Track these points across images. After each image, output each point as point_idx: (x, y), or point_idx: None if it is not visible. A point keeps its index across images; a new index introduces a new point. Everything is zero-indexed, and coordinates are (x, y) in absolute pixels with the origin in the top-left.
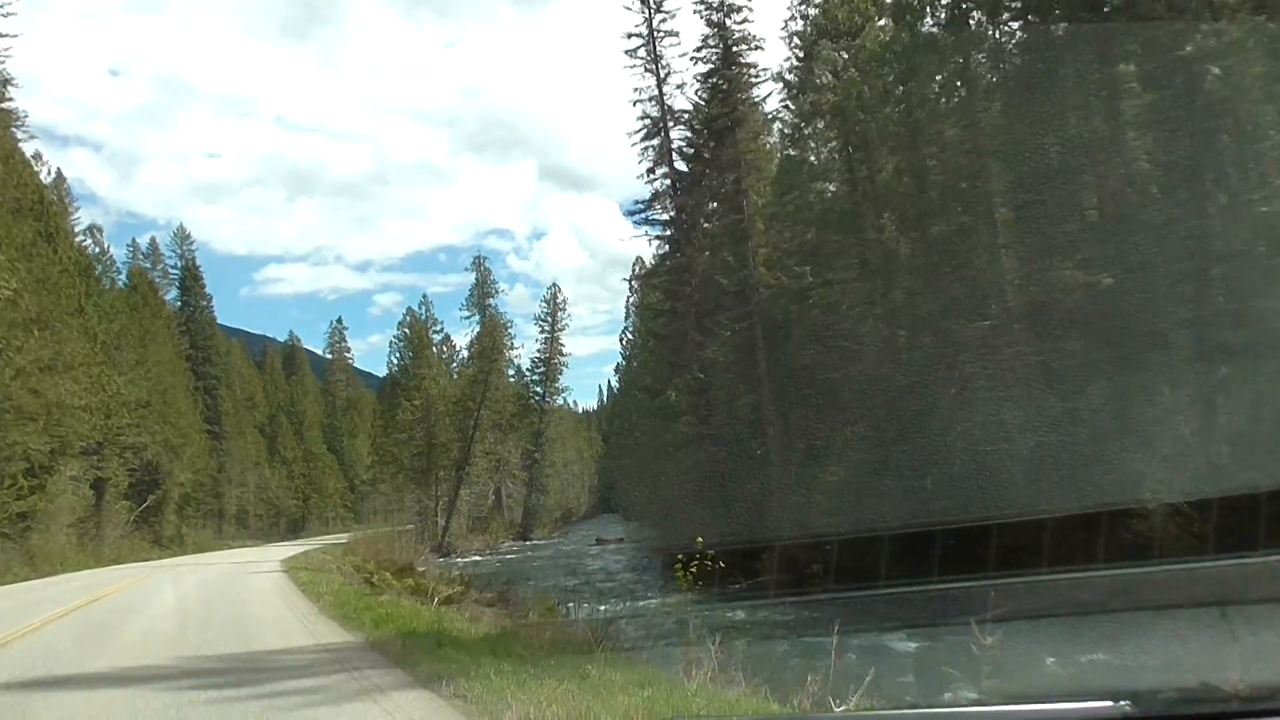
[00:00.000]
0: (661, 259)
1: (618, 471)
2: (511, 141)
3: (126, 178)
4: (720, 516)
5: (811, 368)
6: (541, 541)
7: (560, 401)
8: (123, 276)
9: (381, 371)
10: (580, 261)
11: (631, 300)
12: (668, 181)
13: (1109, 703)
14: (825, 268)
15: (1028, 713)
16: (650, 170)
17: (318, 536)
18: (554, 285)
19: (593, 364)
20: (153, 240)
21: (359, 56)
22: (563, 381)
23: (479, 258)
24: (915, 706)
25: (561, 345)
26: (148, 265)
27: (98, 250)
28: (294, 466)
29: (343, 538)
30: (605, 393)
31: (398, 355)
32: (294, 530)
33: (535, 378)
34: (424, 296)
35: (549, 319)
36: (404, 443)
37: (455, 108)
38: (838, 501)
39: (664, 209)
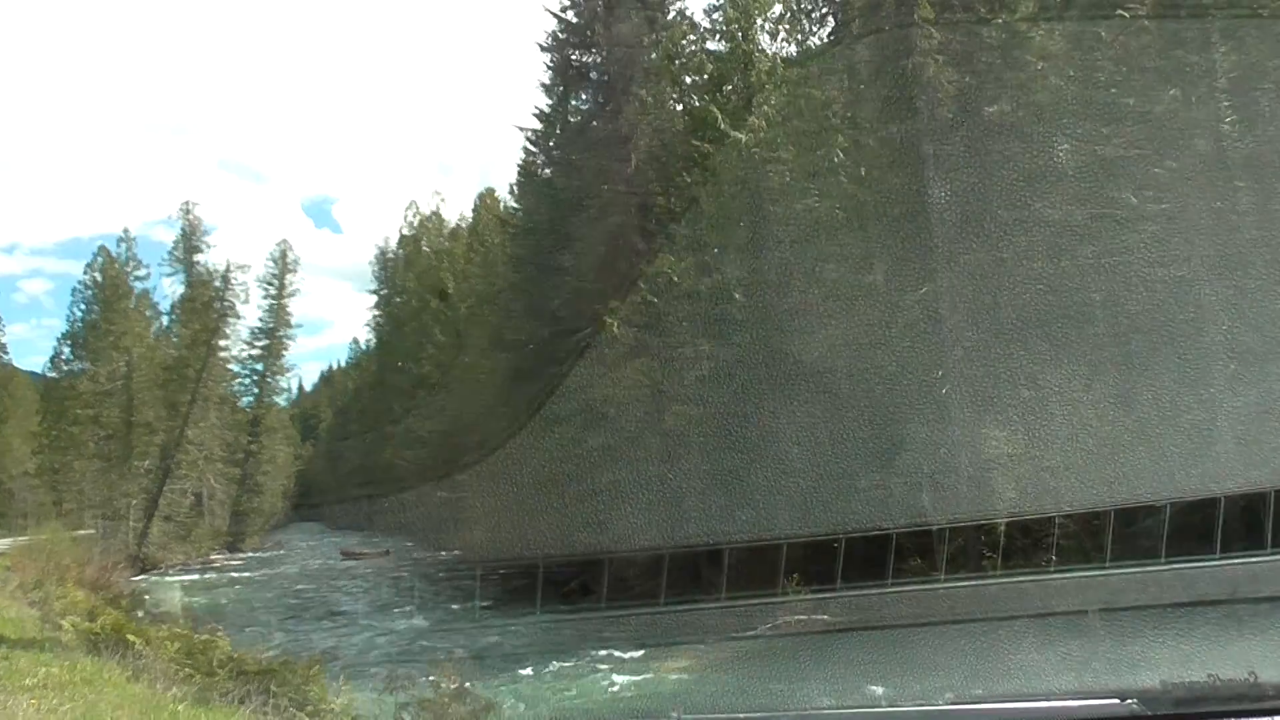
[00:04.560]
0: (580, 126)
1: (327, 473)
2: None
3: None
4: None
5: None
6: (259, 554)
7: (286, 384)
8: None
9: (27, 366)
10: (250, 258)
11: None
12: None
13: (1117, 700)
14: None
15: (1038, 710)
16: None
17: None
18: (284, 242)
19: None
20: None
21: None
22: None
23: (186, 202)
24: (918, 704)
25: (289, 315)
26: None
27: None
28: None
29: None
30: (298, 390)
31: (82, 307)
32: None
33: (256, 352)
34: (125, 231)
35: (276, 281)
36: (88, 421)
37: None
38: None
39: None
